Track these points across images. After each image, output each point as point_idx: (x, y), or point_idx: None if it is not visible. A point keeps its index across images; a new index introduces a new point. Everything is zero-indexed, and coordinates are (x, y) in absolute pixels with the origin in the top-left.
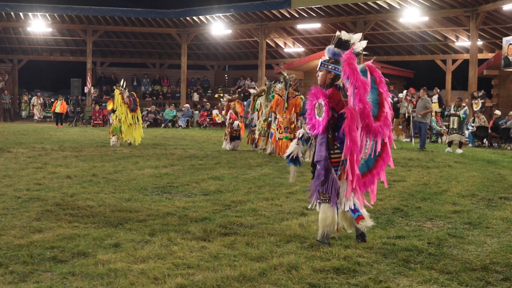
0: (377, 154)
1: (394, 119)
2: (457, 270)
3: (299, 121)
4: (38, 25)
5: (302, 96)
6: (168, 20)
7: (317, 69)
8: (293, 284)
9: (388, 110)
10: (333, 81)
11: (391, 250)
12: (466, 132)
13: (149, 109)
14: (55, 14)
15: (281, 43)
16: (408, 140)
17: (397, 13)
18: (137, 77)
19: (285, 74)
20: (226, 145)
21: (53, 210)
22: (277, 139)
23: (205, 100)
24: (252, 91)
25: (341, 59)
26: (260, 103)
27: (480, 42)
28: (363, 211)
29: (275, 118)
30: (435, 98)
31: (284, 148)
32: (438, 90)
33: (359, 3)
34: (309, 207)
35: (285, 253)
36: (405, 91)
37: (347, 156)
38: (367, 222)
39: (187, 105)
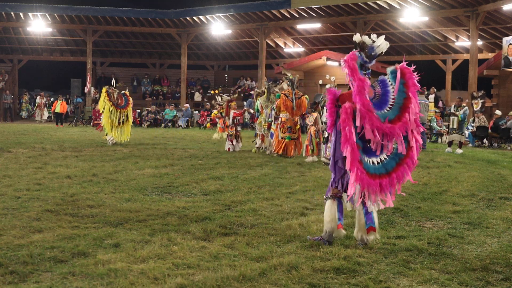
0: (399, 158)
1: None
2: (457, 270)
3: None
4: (38, 25)
5: (307, 96)
6: (168, 20)
7: None
8: (293, 284)
9: (411, 116)
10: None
11: (391, 250)
12: (466, 132)
13: (149, 109)
14: (55, 14)
15: (281, 43)
16: None
17: (397, 13)
18: (137, 77)
19: (289, 75)
20: (229, 146)
21: (53, 210)
22: (279, 138)
23: (205, 100)
24: (256, 91)
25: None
26: (260, 103)
27: (480, 42)
28: (376, 221)
29: (276, 118)
30: (431, 97)
31: (285, 148)
32: (435, 90)
33: (359, 3)
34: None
35: (285, 253)
36: None
37: (342, 151)
38: (376, 236)
39: (187, 105)
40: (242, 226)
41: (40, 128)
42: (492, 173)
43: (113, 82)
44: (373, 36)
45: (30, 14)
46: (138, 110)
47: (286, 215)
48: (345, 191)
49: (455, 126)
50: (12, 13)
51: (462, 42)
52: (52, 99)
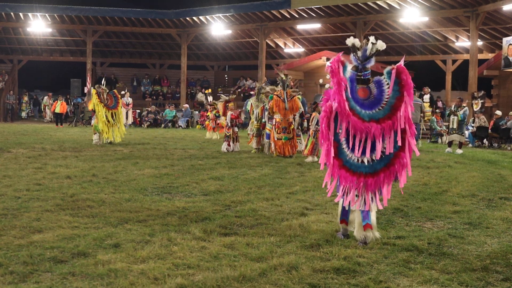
0: (389, 159)
1: None
2: (457, 270)
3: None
4: (38, 26)
5: (299, 97)
6: (168, 20)
7: None
8: (293, 284)
9: (403, 114)
10: None
11: (391, 250)
12: (466, 133)
13: (149, 109)
14: (55, 15)
15: (281, 44)
16: None
17: (397, 14)
18: (137, 77)
19: (282, 76)
20: (227, 148)
21: (53, 210)
22: (275, 139)
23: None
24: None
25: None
26: (251, 104)
27: (480, 42)
28: (373, 219)
29: (271, 118)
30: (426, 97)
31: (283, 148)
32: (429, 90)
33: (359, 4)
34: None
35: (285, 253)
36: None
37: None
38: (374, 233)
39: (187, 105)
40: (242, 226)
41: (40, 129)
42: (492, 173)
43: (103, 81)
44: (372, 38)
45: (30, 14)
46: (138, 110)
47: (286, 215)
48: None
49: (455, 126)
50: (12, 13)
51: (462, 42)
52: (52, 100)
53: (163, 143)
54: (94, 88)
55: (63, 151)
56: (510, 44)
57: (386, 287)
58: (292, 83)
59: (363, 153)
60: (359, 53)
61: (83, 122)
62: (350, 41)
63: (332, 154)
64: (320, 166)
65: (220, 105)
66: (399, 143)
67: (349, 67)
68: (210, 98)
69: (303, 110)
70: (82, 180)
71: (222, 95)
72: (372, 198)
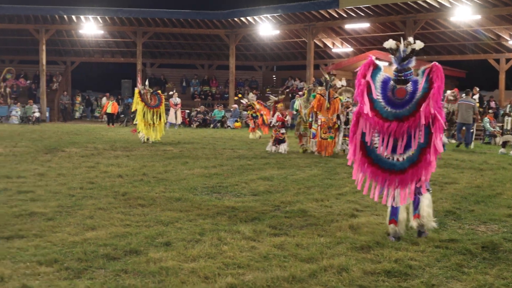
0: (417, 156)
1: None
2: None
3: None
4: (90, 28)
5: (341, 98)
6: (217, 21)
7: None
8: (344, 286)
9: (423, 110)
10: None
11: (444, 253)
12: None
13: (198, 109)
14: (106, 17)
15: (329, 43)
16: (452, 140)
17: (448, 12)
18: (186, 78)
19: (326, 76)
20: (272, 148)
21: (105, 208)
22: (320, 138)
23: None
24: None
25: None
26: (300, 104)
27: None
28: (425, 209)
29: (317, 118)
30: (476, 97)
31: (327, 148)
32: (478, 89)
33: (409, 2)
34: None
35: (335, 255)
36: (448, 91)
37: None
38: (423, 221)
39: (235, 105)
40: (291, 227)
41: (92, 128)
42: None
43: (146, 82)
44: (410, 38)
45: (82, 17)
46: (187, 111)
47: (336, 216)
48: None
49: (509, 127)
50: (65, 16)
51: None
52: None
53: (212, 143)
54: (138, 88)
55: (114, 150)
56: None
57: None
58: (336, 85)
59: (393, 151)
60: (397, 54)
61: (134, 122)
62: (387, 43)
63: (359, 152)
64: (348, 162)
65: (257, 105)
66: (422, 140)
67: (390, 68)
68: (245, 101)
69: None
70: (133, 179)
71: (271, 95)
72: (400, 194)
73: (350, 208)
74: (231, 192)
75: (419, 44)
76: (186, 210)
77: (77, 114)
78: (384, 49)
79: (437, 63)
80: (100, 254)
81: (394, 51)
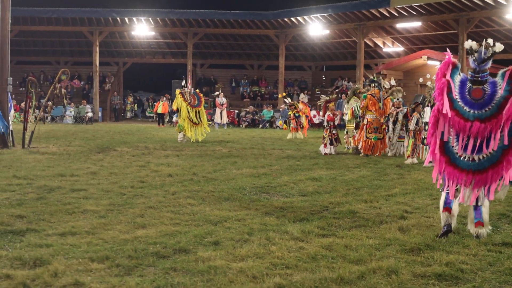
0: (498, 157)
1: None
2: None
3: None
4: (142, 29)
5: (391, 97)
6: (266, 21)
7: None
8: None
9: (506, 112)
10: None
11: (497, 258)
12: None
13: (247, 109)
14: (158, 18)
15: (379, 43)
16: None
17: (503, 9)
18: (235, 78)
19: (373, 77)
20: (324, 150)
21: (155, 207)
22: (365, 138)
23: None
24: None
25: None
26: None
27: None
28: (485, 216)
29: (363, 118)
30: None
31: (371, 148)
32: None
33: (462, 0)
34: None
35: (385, 257)
36: None
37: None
38: (483, 230)
39: (284, 105)
40: (340, 228)
41: (143, 128)
42: None
43: (183, 82)
44: (490, 40)
45: (134, 18)
46: (237, 111)
47: (385, 218)
48: None
49: None
50: (118, 18)
51: None
52: (154, 100)
53: (261, 143)
54: (179, 89)
55: (164, 150)
56: None
57: None
58: (385, 86)
59: (472, 151)
60: (476, 56)
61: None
62: (468, 44)
63: (438, 152)
64: (425, 162)
65: (301, 105)
66: (506, 142)
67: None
68: (288, 100)
69: (407, 109)
70: (183, 178)
71: (322, 95)
72: (480, 194)
73: (399, 209)
74: (279, 192)
75: (499, 47)
76: (234, 210)
77: (129, 114)
78: (436, 48)
79: None
80: (150, 252)
81: (473, 52)
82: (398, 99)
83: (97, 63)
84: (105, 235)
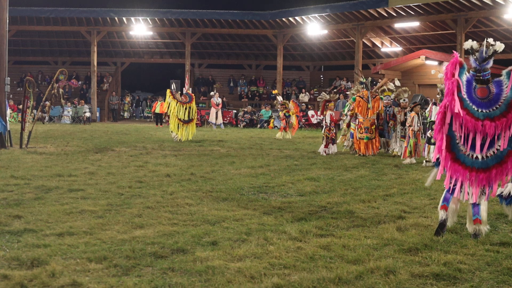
0: (503, 156)
1: None
2: None
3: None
4: (140, 29)
5: (382, 97)
6: (264, 21)
7: None
8: None
9: None
10: None
11: (495, 257)
12: None
13: (245, 109)
14: (156, 18)
15: (378, 43)
16: None
17: (501, 9)
18: (233, 78)
19: (361, 79)
20: (325, 150)
21: (153, 207)
22: (357, 138)
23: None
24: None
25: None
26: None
27: None
28: (483, 214)
29: (355, 118)
30: None
31: (363, 148)
32: None
33: (460, 0)
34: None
35: (382, 257)
36: None
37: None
38: (482, 228)
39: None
40: (338, 227)
41: (141, 128)
42: None
43: (173, 86)
44: (490, 39)
45: (132, 18)
46: (235, 111)
47: (383, 218)
48: None
49: None
50: (116, 18)
51: None
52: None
53: (259, 143)
54: (169, 89)
55: (162, 150)
56: None
57: None
58: (389, 87)
59: (473, 149)
60: (477, 55)
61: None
62: (468, 43)
63: (444, 148)
64: (432, 159)
65: (291, 105)
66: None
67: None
68: (279, 99)
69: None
70: (181, 178)
71: (324, 93)
72: (481, 192)
73: (397, 209)
74: (277, 192)
75: (499, 46)
76: (232, 210)
77: (126, 114)
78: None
79: None
80: (148, 252)
81: (474, 51)
82: (404, 100)
83: (95, 63)
84: (103, 235)
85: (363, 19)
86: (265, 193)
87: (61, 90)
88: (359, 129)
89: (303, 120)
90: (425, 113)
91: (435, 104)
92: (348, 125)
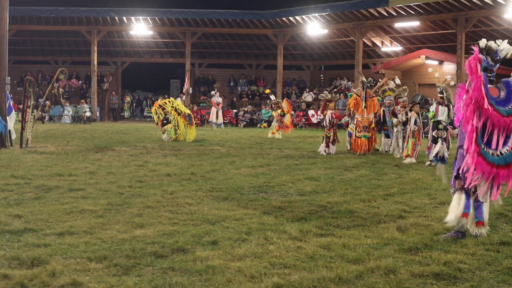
0: None
1: None
2: None
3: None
4: (140, 29)
5: (379, 98)
6: (265, 21)
7: None
8: None
9: None
10: None
11: (495, 257)
12: None
13: (246, 109)
14: (156, 18)
15: (378, 42)
16: None
17: (501, 9)
18: (234, 77)
19: (363, 78)
20: (325, 150)
21: (153, 207)
22: (355, 137)
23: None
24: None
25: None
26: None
27: None
28: (486, 216)
29: (353, 117)
30: None
31: (361, 146)
32: None
33: None
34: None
35: (383, 256)
36: None
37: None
38: (483, 230)
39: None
40: (338, 227)
41: (141, 128)
42: None
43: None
44: (499, 41)
45: (132, 18)
46: (235, 110)
47: (384, 217)
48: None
49: None
50: (116, 17)
51: None
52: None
53: (259, 143)
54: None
55: (162, 149)
56: None
57: None
58: (390, 85)
59: (501, 145)
60: (493, 55)
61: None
62: (483, 42)
63: (474, 141)
64: (464, 151)
65: (285, 104)
66: None
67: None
68: (272, 97)
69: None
70: (181, 178)
71: (326, 91)
72: (494, 189)
73: (397, 209)
74: (278, 191)
75: (509, 48)
76: (233, 209)
77: (127, 114)
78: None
79: None
80: (148, 252)
81: (489, 51)
82: (405, 99)
83: (95, 63)
84: (103, 235)
85: (363, 18)
86: (265, 193)
87: (61, 90)
88: (357, 128)
89: (303, 120)
90: (427, 113)
91: (440, 104)
92: (347, 125)
